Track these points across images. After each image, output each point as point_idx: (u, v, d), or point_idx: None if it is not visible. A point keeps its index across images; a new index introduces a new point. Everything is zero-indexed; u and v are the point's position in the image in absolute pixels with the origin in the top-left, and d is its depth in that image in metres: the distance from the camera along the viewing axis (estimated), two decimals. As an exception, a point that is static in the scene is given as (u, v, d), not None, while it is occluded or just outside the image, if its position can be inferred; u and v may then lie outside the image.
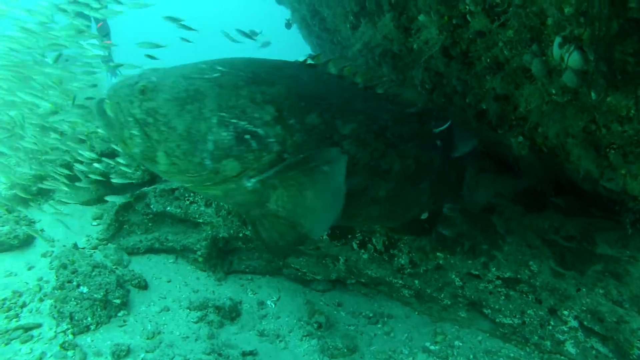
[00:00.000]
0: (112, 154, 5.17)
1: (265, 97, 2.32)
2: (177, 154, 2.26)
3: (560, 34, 2.14)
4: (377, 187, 2.77)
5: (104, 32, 10.56)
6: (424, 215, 3.66)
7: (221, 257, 5.00)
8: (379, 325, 4.51)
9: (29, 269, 4.29)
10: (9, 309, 3.80)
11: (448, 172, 3.57)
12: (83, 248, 4.65)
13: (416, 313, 4.72)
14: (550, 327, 4.13)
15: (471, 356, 4.13)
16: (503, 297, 4.29)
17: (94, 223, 5.04)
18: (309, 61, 2.80)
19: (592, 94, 2.13)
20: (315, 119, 2.41)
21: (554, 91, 2.68)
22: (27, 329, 3.65)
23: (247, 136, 2.27)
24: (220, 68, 2.39)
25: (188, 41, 6.56)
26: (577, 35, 2.04)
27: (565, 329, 4.08)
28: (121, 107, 2.30)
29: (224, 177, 2.33)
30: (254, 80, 2.34)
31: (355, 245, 4.71)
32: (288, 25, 10.08)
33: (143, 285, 4.40)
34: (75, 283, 3.90)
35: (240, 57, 2.59)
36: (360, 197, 2.71)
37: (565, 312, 4.07)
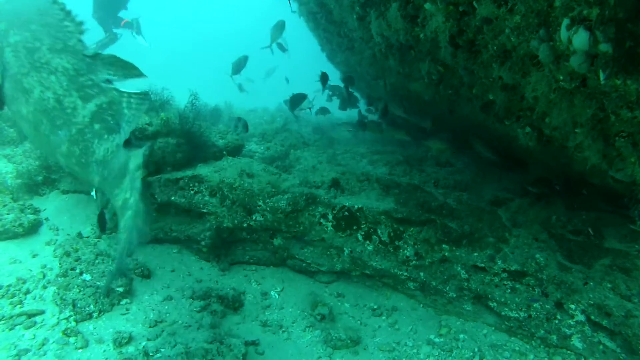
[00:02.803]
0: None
1: None
2: None
3: (569, 14, 2.09)
4: (20, 103, 2.95)
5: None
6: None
7: (225, 248, 4.99)
8: (383, 317, 4.48)
9: (33, 256, 4.30)
10: (13, 296, 3.81)
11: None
12: (87, 237, 4.65)
13: (421, 306, 4.68)
14: (556, 321, 4.07)
15: (476, 349, 4.08)
16: (509, 290, 4.24)
17: (99, 213, 5.05)
18: None
19: (601, 76, 2.08)
20: (1, 26, 2.96)
21: (561, 77, 2.62)
22: (31, 315, 3.66)
23: None
24: None
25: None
26: (586, 16, 1.99)
27: (572, 323, 4.02)
28: None
29: None
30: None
31: (360, 237, 4.68)
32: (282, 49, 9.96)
33: (147, 274, 4.40)
34: (78, 271, 3.91)
35: None
36: (11, 105, 3.04)
37: (572, 306, 4.01)
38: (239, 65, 8.00)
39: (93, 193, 3.42)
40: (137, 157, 2.98)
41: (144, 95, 2.99)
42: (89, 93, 2.91)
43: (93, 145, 2.96)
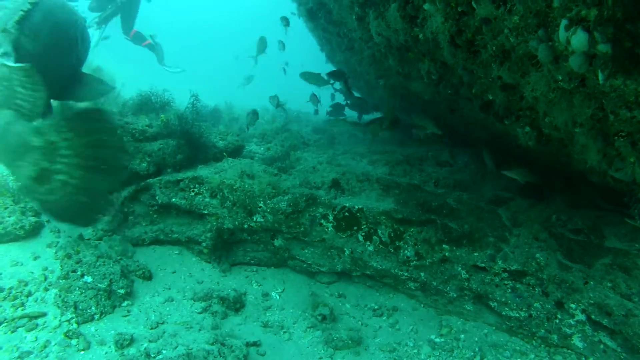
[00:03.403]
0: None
1: None
2: None
3: (567, 15, 2.09)
4: None
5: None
6: None
7: (226, 249, 5.00)
8: (384, 318, 4.49)
9: (35, 258, 4.31)
10: (15, 298, 3.82)
11: None
12: (88, 239, 4.66)
13: (422, 306, 4.68)
14: (557, 321, 4.07)
15: (477, 349, 4.09)
16: (510, 290, 4.24)
17: (100, 214, 5.05)
18: None
19: (600, 77, 2.08)
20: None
21: (560, 77, 2.63)
22: (33, 317, 3.67)
23: None
24: None
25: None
26: (584, 17, 1.99)
27: (573, 323, 4.02)
28: None
29: None
30: None
31: (360, 237, 4.69)
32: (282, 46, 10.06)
33: (147, 276, 4.41)
34: (79, 273, 3.92)
35: None
36: None
37: (573, 306, 4.01)
38: (261, 47, 8.14)
39: None
40: (39, 133, 3.06)
41: (27, 70, 3.06)
42: None
43: None
